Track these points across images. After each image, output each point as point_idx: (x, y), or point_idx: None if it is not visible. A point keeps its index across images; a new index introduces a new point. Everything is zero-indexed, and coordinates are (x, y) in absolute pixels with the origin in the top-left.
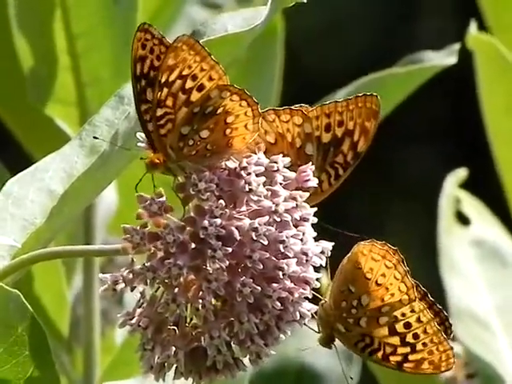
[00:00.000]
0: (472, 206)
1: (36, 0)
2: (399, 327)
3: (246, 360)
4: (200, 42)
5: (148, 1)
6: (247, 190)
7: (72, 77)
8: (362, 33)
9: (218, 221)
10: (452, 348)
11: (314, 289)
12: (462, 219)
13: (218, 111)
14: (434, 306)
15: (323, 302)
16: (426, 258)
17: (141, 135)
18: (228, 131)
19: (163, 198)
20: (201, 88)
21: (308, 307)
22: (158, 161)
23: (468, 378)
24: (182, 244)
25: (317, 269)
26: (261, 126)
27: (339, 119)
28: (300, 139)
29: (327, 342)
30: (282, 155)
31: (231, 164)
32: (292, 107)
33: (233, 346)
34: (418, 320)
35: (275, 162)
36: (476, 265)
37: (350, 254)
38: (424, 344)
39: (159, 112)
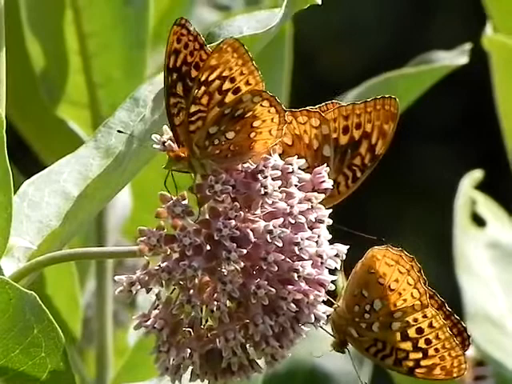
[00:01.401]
0: (487, 207)
1: (47, 1)
2: (411, 332)
3: (260, 362)
4: (214, 44)
5: (159, 1)
6: (263, 192)
7: (84, 78)
8: (376, 33)
9: (233, 222)
10: (464, 354)
11: (328, 292)
12: (478, 221)
13: (247, 115)
14: (451, 317)
15: (336, 306)
16: (441, 259)
17: (156, 137)
18: (252, 134)
19: (187, 201)
20: (236, 91)
21: (323, 310)
22: (183, 155)
23: (476, 380)
24: (198, 246)
25: (332, 271)
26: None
27: (357, 121)
28: (317, 141)
29: (340, 346)
30: (297, 157)
31: (248, 167)
32: (309, 108)
33: (248, 348)
34: (430, 325)
35: (290, 164)
36: (491, 266)
37: (363, 258)
38: (436, 349)
39: (193, 109)
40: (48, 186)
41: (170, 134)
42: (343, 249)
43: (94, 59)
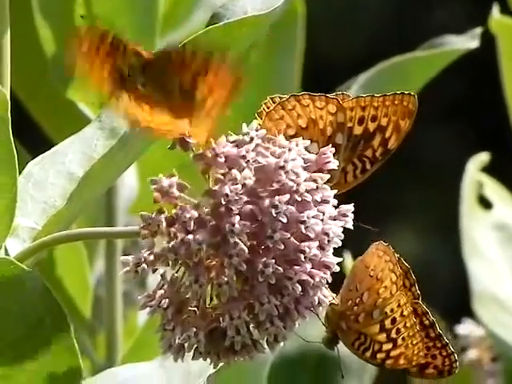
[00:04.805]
0: (494, 190)
1: None
2: (387, 323)
3: (263, 342)
4: (219, 24)
5: None
6: (281, 165)
7: None
8: (382, 16)
9: (239, 187)
10: (422, 339)
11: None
12: (485, 203)
13: None
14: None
15: (332, 300)
16: (446, 242)
17: None
18: None
19: (175, 177)
20: None
21: (327, 293)
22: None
23: (493, 361)
24: (200, 221)
25: (337, 252)
26: (294, 108)
27: (373, 114)
28: (332, 128)
29: (331, 342)
30: (310, 141)
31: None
32: (328, 95)
33: (251, 328)
34: (402, 314)
35: (293, 143)
36: (498, 249)
37: (363, 255)
38: (403, 338)
39: None
40: (53, 166)
41: None
42: (350, 208)
43: None
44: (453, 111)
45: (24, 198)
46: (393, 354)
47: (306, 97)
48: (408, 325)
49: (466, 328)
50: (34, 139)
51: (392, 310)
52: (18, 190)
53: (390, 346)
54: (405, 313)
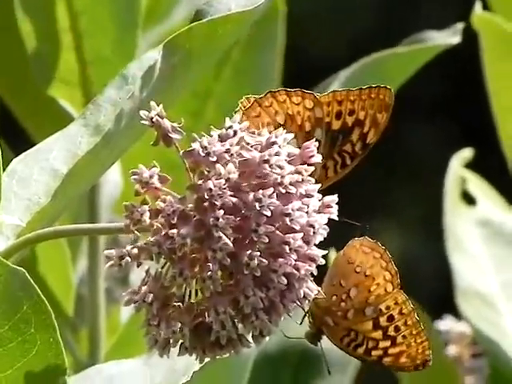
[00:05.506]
0: (477, 186)
1: None
2: (383, 320)
3: (249, 337)
4: (203, 21)
5: None
6: (265, 159)
7: (75, 56)
8: (364, 13)
9: (222, 181)
10: (428, 339)
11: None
12: (468, 199)
13: None
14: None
15: (318, 294)
16: (429, 238)
17: (145, 113)
18: None
19: (155, 168)
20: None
21: (313, 287)
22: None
23: (474, 358)
24: (184, 215)
25: (321, 247)
26: (271, 105)
27: (351, 108)
28: (309, 123)
29: (314, 337)
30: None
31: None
32: (304, 90)
33: (237, 323)
34: (400, 312)
35: (276, 137)
36: (482, 244)
37: (343, 250)
38: (404, 336)
39: None
40: (37, 163)
41: (158, 109)
42: (334, 198)
43: (86, 37)
44: (438, 108)
45: (8, 195)
46: (392, 351)
47: (282, 93)
48: (409, 323)
49: (446, 324)
50: (15, 138)
51: (388, 308)
52: (1, 188)
53: (387, 343)
54: (404, 311)
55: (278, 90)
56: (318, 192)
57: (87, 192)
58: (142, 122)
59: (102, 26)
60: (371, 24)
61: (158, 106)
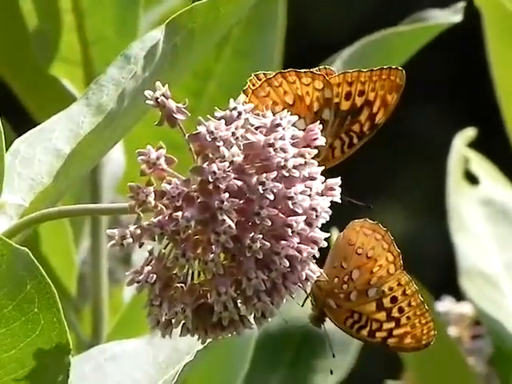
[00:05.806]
0: (481, 165)
1: None
2: (386, 302)
3: (251, 318)
4: (205, 0)
5: None
6: (270, 142)
7: (77, 35)
8: None
9: (227, 164)
10: (433, 320)
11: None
12: (471, 179)
13: None
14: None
15: (320, 277)
16: (434, 218)
17: (149, 93)
18: None
19: (162, 150)
20: None
21: (315, 269)
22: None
23: (474, 339)
24: (189, 197)
25: (325, 227)
26: (281, 85)
27: (361, 89)
28: (318, 104)
29: (318, 319)
30: (296, 116)
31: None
32: (314, 71)
33: (239, 304)
34: (404, 293)
35: (281, 119)
36: (485, 224)
37: (343, 231)
38: (408, 317)
39: None
40: (40, 143)
41: (163, 89)
42: (337, 181)
43: (87, 17)
44: (443, 89)
45: (11, 174)
46: (396, 332)
47: (292, 73)
48: (414, 304)
49: (445, 305)
50: (17, 117)
51: (391, 289)
52: (4, 167)
53: (391, 324)
54: (408, 292)
55: (289, 71)
56: (325, 172)
57: (89, 172)
58: (147, 102)
59: (103, 5)
60: (373, 3)
61: (163, 86)
